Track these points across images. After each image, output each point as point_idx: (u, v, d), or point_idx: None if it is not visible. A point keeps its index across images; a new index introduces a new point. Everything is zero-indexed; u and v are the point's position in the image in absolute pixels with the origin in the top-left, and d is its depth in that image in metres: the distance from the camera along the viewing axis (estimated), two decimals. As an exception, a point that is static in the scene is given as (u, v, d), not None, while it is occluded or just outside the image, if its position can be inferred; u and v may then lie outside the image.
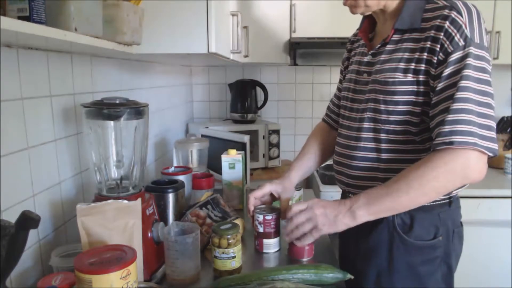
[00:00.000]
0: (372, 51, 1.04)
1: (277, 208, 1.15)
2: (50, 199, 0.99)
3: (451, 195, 1.00)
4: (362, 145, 1.03)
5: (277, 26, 2.08)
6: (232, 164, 1.43)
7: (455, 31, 0.87)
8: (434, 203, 0.98)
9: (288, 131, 2.50)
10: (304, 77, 2.48)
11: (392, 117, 0.97)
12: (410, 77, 0.93)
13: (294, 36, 2.09)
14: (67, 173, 1.07)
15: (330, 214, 0.93)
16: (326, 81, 2.47)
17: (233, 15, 1.65)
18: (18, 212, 0.67)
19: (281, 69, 2.47)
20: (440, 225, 1.00)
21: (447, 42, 0.87)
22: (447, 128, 0.85)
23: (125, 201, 0.88)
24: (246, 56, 1.93)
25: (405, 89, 0.94)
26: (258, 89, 2.31)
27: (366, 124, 1.02)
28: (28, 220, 0.65)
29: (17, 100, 0.87)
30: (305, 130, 2.52)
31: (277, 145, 2.20)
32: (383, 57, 1.00)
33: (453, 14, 0.87)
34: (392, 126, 0.98)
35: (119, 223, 0.85)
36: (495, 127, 0.86)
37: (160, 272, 0.97)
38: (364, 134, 1.02)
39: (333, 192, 1.90)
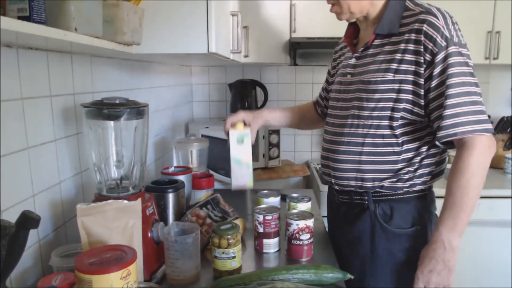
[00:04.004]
0: (356, 54, 1.15)
1: (277, 208, 1.15)
2: (50, 199, 0.99)
3: (425, 188, 1.10)
4: (346, 140, 1.12)
5: (277, 26, 2.08)
6: (241, 138, 1.28)
7: (436, 33, 0.97)
8: (412, 195, 1.09)
9: (288, 131, 2.50)
10: (304, 77, 2.47)
11: (375, 113, 1.06)
12: (390, 76, 1.03)
13: (294, 36, 2.09)
14: (67, 173, 1.07)
15: (439, 269, 0.99)
16: (326, 81, 2.47)
17: (233, 15, 1.65)
18: (18, 212, 0.67)
19: (281, 69, 2.47)
20: (417, 215, 1.09)
21: (431, 44, 0.97)
22: (448, 122, 0.96)
23: (125, 201, 0.88)
24: (246, 56, 1.93)
25: (386, 88, 1.04)
26: (258, 89, 2.31)
27: (349, 121, 1.12)
28: (28, 220, 0.65)
29: (17, 100, 0.87)
30: (305, 130, 2.52)
31: (277, 145, 2.20)
32: (366, 59, 1.10)
33: (430, 18, 0.98)
34: (374, 121, 1.07)
35: (119, 223, 0.85)
36: (483, 107, 0.97)
37: (160, 272, 0.97)
38: (347, 130, 1.12)
39: (333, 192, 1.90)
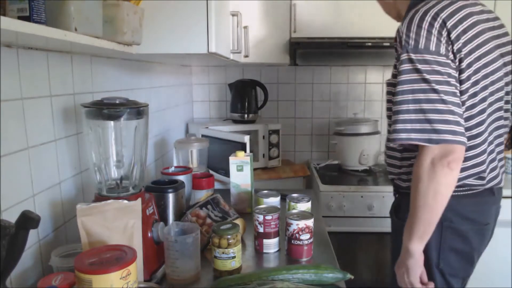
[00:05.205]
0: None
1: (277, 208, 1.15)
2: (50, 199, 0.99)
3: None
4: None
5: (277, 26, 2.08)
6: (240, 166, 1.41)
7: (398, 38, 1.00)
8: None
9: (288, 131, 2.50)
10: (304, 77, 2.48)
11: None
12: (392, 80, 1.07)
13: (294, 36, 2.09)
14: (67, 173, 1.07)
15: (403, 270, 1.06)
16: (326, 81, 2.47)
17: (233, 15, 1.65)
18: (18, 212, 0.67)
19: (281, 69, 2.47)
20: None
21: (398, 48, 1.01)
22: (392, 127, 0.98)
23: (125, 201, 0.88)
24: (246, 56, 1.93)
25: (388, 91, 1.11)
26: (258, 89, 2.31)
27: None
28: (28, 220, 0.66)
29: (17, 100, 0.87)
30: (305, 130, 2.52)
31: (277, 145, 2.20)
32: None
33: (400, 25, 1.01)
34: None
35: (119, 223, 0.85)
36: (448, 112, 0.92)
37: (160, 272, 0.97)
38: None
39: (333, 192, 1.91)
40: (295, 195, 1.31)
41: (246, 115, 2.26)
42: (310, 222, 1.07)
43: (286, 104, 2.50)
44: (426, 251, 1.03)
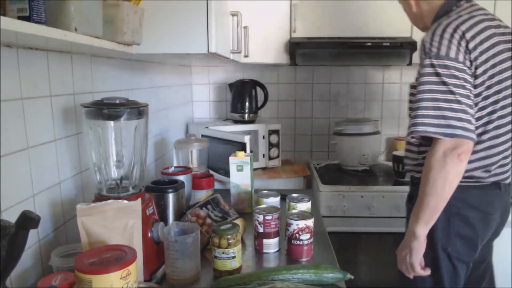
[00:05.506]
0: None
1: (277, 208, 1.15)
2: (50, 199, 0.99)
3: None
4: None
5: (277, 26, 2.08)
6: (240, 166, 1.41)
7: (422, 46, 1.13)
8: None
9: (288, 131, 2.50)
10: (304, 77, 2.47)
11: None
12: None
13: (294, 36, 2.09)
14: (67, 173, 1.07)
15: (406, 252, 1.17)
16: (326, 81, 2.47)
17: (233, 15, 1.65)
18: (18, 212, 0.67)
19: (281, 69, 2.47)
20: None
21: (421, 55, 1.13)
22: (411, 121, 1.10)
23: (125, 201, 0.88)
24: (246, 56, 1.93)
25: None
26: (258, 89, 2.31)
27: None
28: (28, 220, 0.66)
29: (17, 100, 0.87)
30: (305, 130, 2.52)
31: (277, 145, 2.20)
32: None
33: (425, 36, 1.14)
34: None
35: (119, 223, 0.85)
36: (461, 111, 1.04)
37: (160, 272, 0.97)
38: None
39: (333, 192, 1.91)
40: (295, 195, 1.31)
41: (246, 115, 2.26)
42: (310, 222, 1.07)
43: (286, 104, 2.50)
44: (434, 236, 1.15)
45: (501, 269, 1.97)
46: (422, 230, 1.11)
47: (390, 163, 2.15)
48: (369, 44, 1.98)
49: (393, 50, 2.06)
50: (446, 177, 1.05)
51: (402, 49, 2.01)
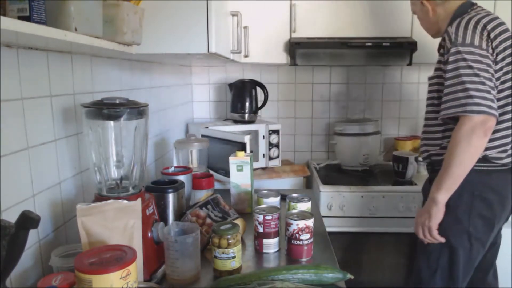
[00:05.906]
0: None
1: (277, 208, 1.15)
2: (50, 199, 0.99)
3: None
4: None
5: (277, 26, 2.08)
6: (240, 166, 1.41)
7: (447, 38, 1.28)
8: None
9: (288, 131, 2.50)
10: (304, 77, 2.47)
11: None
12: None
13: (294, 36, 2.09)
14: (67, 173, 1.07)
15: (426, 216, 1.31)
16: (326, 81, 2.47)
17: (233, 15, 1.65)
18: (18, 212, 0.67)
19: (281, 69, 2.47)
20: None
21: (447, 45, 1.27)
22: (442, 105, 1.25)
23: (125, 201, 0.88)
24: (246, 56, 1.93)
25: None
26: (258, 89, 2.31)
27: None
28: (28, 220, 0.65)
29: (17, 100, 0.87)
30: (305, 130, 2.52)
31: (277, 145, 2.20)
32: None
33: (449, 27, 1.29)
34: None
35: (119, 223, 0.85)
36: (485, 91, 1.18)
37: (160, 272, 0.97)
38: None
39: (333, 192, 1.91)
40: (295, 195, 1.31)
41: (246, 115, 2.26)
42: (310, 222, 1.07)
43: (286, 104, 2.50)
44: (457, 216, 1.28)
45: (501, 269, 1.97)
46: (443, 197, 1.25)
47: (390, 163, 2.15)
48: (369, 44, 1.98)
49: (393, 50, 2.06)
50: (471, 150, 1.18)
51: (402, 49, 2.01)
